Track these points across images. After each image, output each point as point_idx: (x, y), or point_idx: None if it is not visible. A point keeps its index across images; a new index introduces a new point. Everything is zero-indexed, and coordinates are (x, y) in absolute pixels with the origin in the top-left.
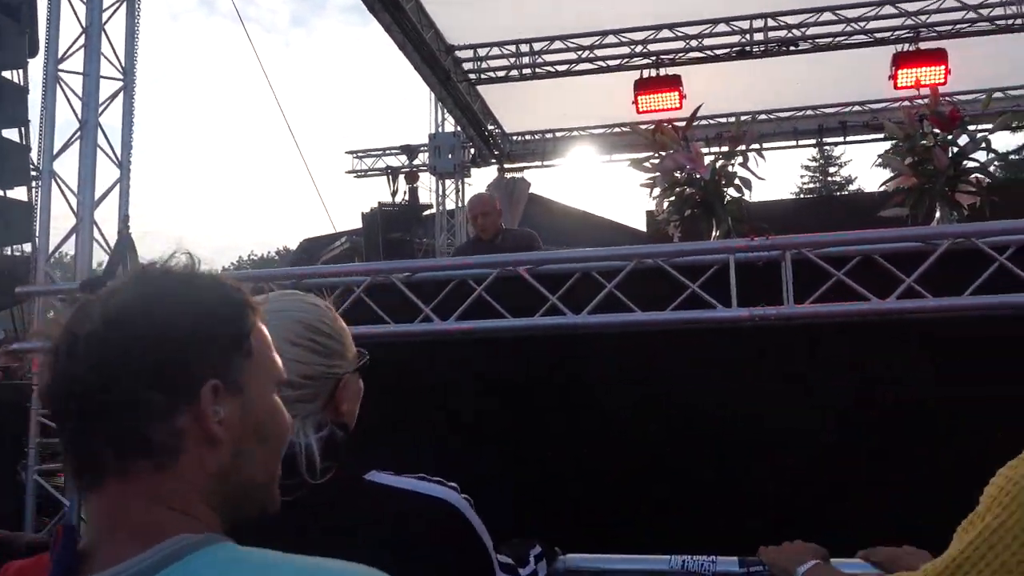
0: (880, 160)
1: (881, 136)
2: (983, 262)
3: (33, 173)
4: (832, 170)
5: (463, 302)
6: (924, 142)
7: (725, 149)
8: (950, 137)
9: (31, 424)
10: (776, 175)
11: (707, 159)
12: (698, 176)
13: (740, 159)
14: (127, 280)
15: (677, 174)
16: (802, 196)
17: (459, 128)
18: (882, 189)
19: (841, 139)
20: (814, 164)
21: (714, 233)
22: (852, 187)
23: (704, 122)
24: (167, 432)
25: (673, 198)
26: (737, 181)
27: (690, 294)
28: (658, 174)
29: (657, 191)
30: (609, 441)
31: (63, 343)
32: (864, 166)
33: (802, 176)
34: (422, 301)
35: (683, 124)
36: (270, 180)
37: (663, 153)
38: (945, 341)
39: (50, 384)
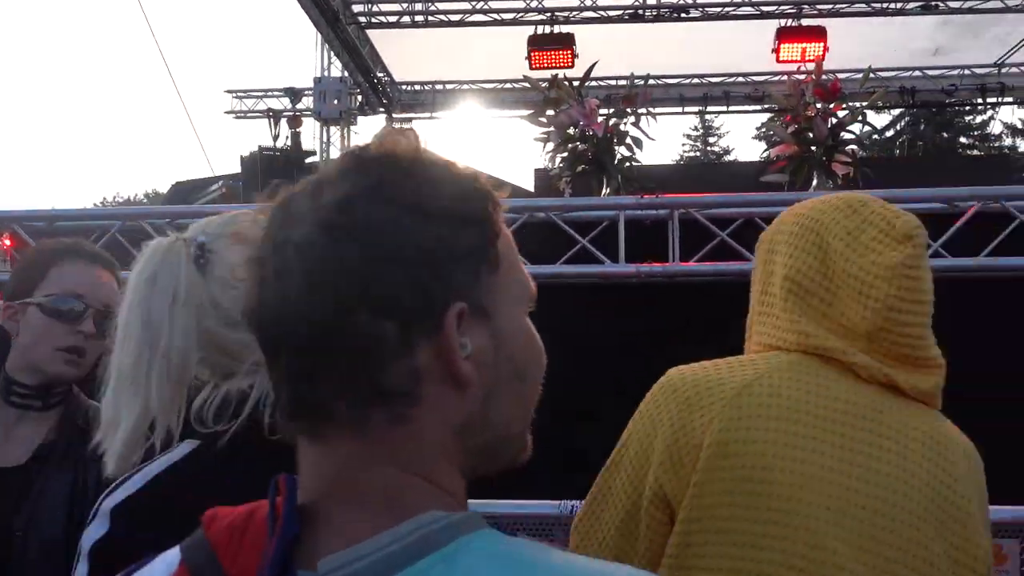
0: (764, 128)
1: (760, 108)
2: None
3: None
4: (712, 140)
5: None
6: (807, 112)
7: (618, 109)
8: (830, 108)
9: None
10: (660, 142)
11: (600, 117)
12: (591, 133)
13: (632, 119)
14: (336, 167)
15: (571, 130)
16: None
17: (346, 73)
18: (763, 157)
19: (724, 108)
20: (695, 133)
21: (604, 191)
22: (730, 157)
23: (594, 83)
24: (403, 374)
25: (566, 154)
26: (629, 140)
27: (580, 249)
28: (552, 129)
29: (550, 146)
30: None
31: (267, 252)
32: (743, 138)
33: (683, 144)
34: None
35: (578, 81)
36: (140, 116)
37: (556, 109)
38: None
39: (255, 307)
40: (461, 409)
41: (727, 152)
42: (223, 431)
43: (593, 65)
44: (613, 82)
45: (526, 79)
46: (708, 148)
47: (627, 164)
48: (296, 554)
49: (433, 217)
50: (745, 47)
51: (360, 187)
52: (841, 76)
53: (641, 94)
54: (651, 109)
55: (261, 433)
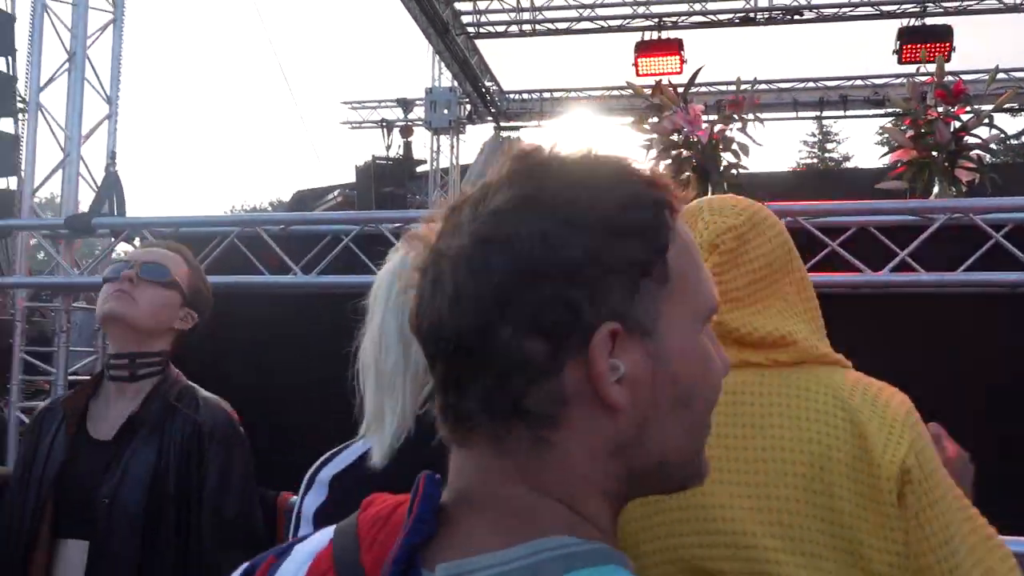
0: (882, 132)
1: (881, 112)
2: (980, 238)
3: (20, 105)
4: (830, 146)
5: None
6: (927, 116)
7: (724, 114)
8: (953, 111)
9: (14, 361)
10: (774, 148)
11: (705, 123)
12: (695, 139)
13: (739, 124)
14: (505, 172)
15: (674, 136)
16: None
17: (456, 83)
18: (881, 164)
19: (841, 112)
20: (812, 139)
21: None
22: (849, 164)
23: (703, 89)
24: (547, 395)
25: (669, 161)
26: (735, 146)
27: None
28: (655, 135)
29: (653, 153)
30: None
31: (429, 261)
32: (863, 143)
33: (800, 151)
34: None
35: (682, 86)
36: (264, 129)
37: (661, 115)
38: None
39: (416, 315)
40: (612, 435)
41: (846, 158)
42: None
43: (699, 70)
44: (724, 88)
45: (629, 85)
46: (826, 154)
47: (733, 171)
48: (426, 553)
49: (587, 228)
50: (864, 49)
51: (517, 197)
52: (967, 77)
53: (748, 98)
54: (759, 114)
55: None
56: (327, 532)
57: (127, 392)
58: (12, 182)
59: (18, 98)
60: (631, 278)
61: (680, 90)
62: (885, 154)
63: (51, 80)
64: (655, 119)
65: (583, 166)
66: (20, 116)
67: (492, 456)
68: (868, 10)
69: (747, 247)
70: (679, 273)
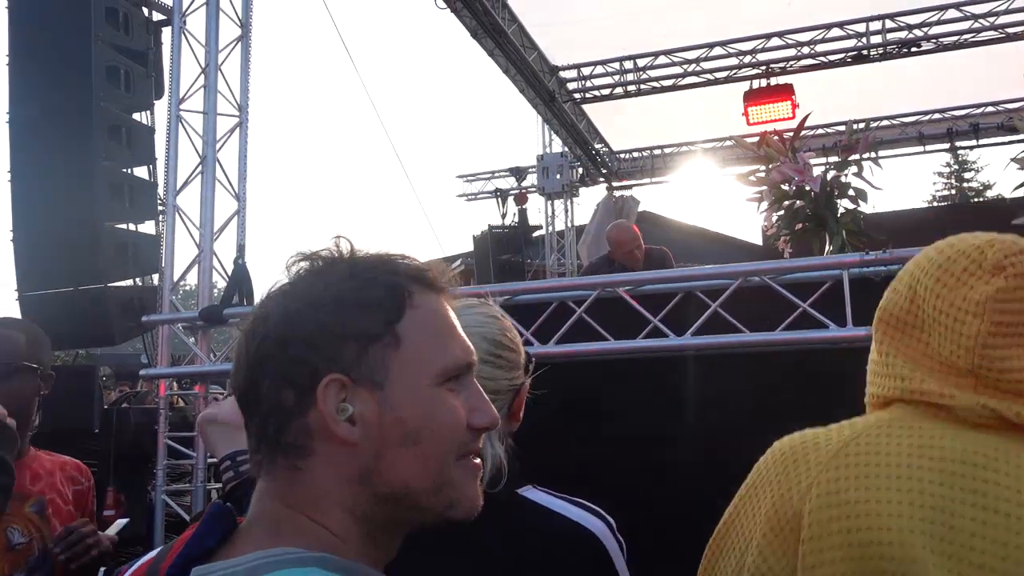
0: (1013, 162)
1: (1019, 137)
2: None
3: (159, 208)
4: (968, 175)
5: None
6: None
7: (838, 160)
8: None
9: (159, 446)
10: (906, 183)
11: (818, 170)
12: (808, 188)
13: (854, 168)
14: (292, 278)
15: (785, 187)
16: (936, 204)
17: (566, 148)
18: (1016, 195)
19: (973, 142)
20: (947, 170)
21: (827, 248)
22: (990, 193)
23: (821, 131)
24: (298, 431)
25: (782, 212)
26: (851, 192)
27: (801, 313)
28: (765, 188)
29: (764, 205)
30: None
31: (240, 338)
32: (1002, 170)
33: (935, 183)
34: (526, 323)
35: (791, 134)
36: (384, 205)
37: (769, 166)
38: None
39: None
40: (353, 464)
41: (987, 187)
42: None
43: (806, 117)
44: (842, 128)
45: (733, 138)
46: (964, 185)
47: (851, 217)
48: (205, 563)
49: (323, 307)
50: (993, 73)
51: (282, 290)
52: None
53: (862, 140)
54: (878, 154)
55: None
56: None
57: None
58: (155, 278)
59: (158, 201)
60: (360, 343)
61: (789, 137)
62: (1019, 186)
63: (186, 183)
64: (763, 171)
65: (327, 263)
66: (160, 218)
67: (265, 482)
68: (993, 34)
69: None
70: (412, 339)
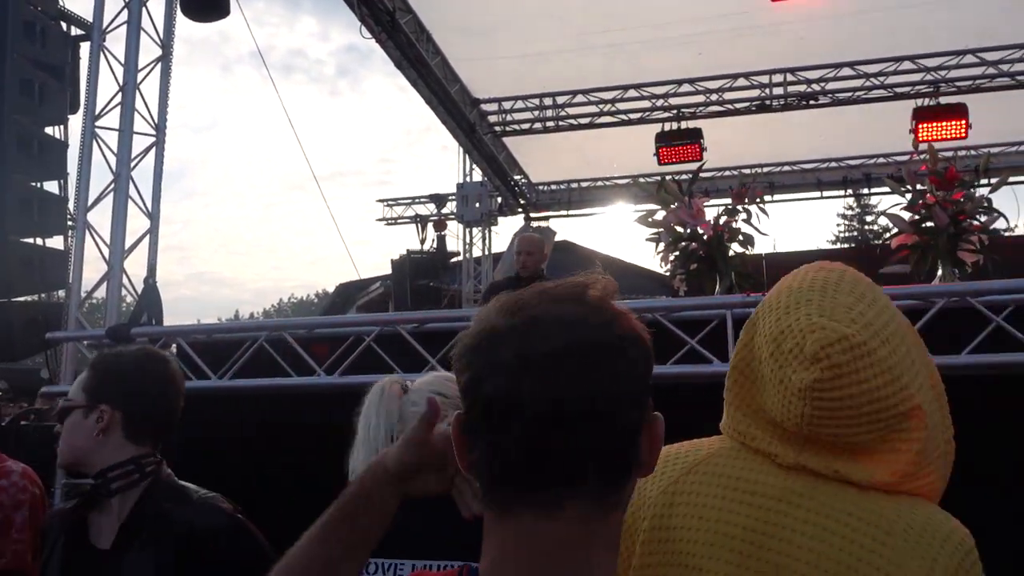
0: (885, 216)
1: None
2: (980, 321)
3: (69, 223)
4: (869, 218)
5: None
6: (927, 200)
7: (728, 207)
8: (951, 196)
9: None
10: (811, 224)
11: (711, 215)
12: (701, 232)
13: (744, 215)
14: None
15: (680, 229)
16: (838, 245)
17: (486, 178)
18: (885, 244)
19: (866, 190)
20: (850, 212)
21: (717, 288)
22: (888, 235)
23: (727, 174)
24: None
25: (677, 252)
26: (740, 237)
27: (689, 349)
28: (662, 229)
29: (662, 246)
30: None
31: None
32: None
33: (838, 225)
34: (432, 351)
35: (687, 179)
36: (312, 228)
37: (668, 208)
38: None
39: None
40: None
41: (886, 230)
42: None
43: (701, 166)
44: (748, 171)
45: (634, 182)
46: (866, 227)
47: (739, 260)
48: None
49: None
50: (883, 127)
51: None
52: (996, 150)
53: (750, 188)
54: (767, 199)
55: None
56: None
57: (114, 503)
58: (61, 294)
59: (68, 217)
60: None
61: (685, 182)
62: (888, 238)
63: (98, 200)
64: (661, 214)
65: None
66: (69, 233)
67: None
68: (882, 92)
69: None
70: None
